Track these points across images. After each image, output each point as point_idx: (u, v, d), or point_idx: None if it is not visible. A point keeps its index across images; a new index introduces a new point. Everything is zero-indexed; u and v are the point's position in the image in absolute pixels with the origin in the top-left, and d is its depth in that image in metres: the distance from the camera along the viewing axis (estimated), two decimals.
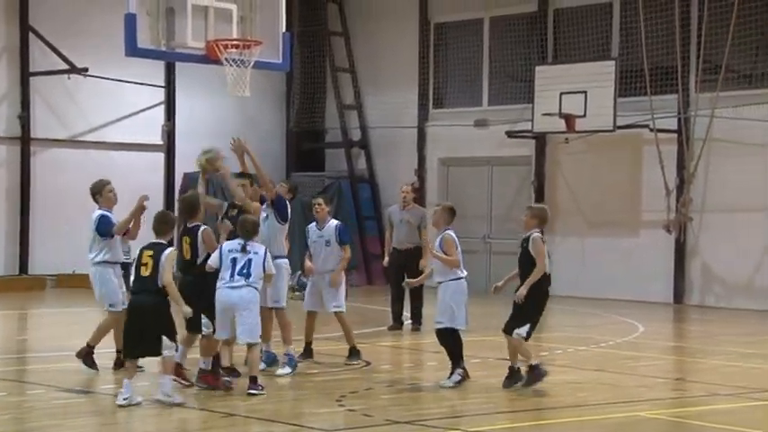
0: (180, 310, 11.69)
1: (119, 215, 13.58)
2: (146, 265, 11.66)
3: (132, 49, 14.82)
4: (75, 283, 24.86)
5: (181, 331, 12.14)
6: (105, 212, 13.55)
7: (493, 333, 16.31)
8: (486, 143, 26.93)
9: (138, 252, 11.88)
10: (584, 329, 19.72)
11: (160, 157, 28.33)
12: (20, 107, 26.30)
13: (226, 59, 15.12)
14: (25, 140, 26.38)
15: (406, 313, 18.78)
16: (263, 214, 13.60)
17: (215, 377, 12.56)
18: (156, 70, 27.08)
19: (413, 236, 18.69)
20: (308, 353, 14.77)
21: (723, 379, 14.11)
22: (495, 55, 27.31)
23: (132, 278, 11.90)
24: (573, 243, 25.28)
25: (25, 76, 26.28)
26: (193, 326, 12.53)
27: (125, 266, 13.44)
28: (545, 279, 12.87)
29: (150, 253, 11.70)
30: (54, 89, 26.56)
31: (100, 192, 13.68)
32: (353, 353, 14.85)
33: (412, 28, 28.31)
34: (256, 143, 27.57)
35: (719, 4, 23.34)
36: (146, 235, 12.30)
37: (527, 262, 12.91)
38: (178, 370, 12.35)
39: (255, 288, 12.43)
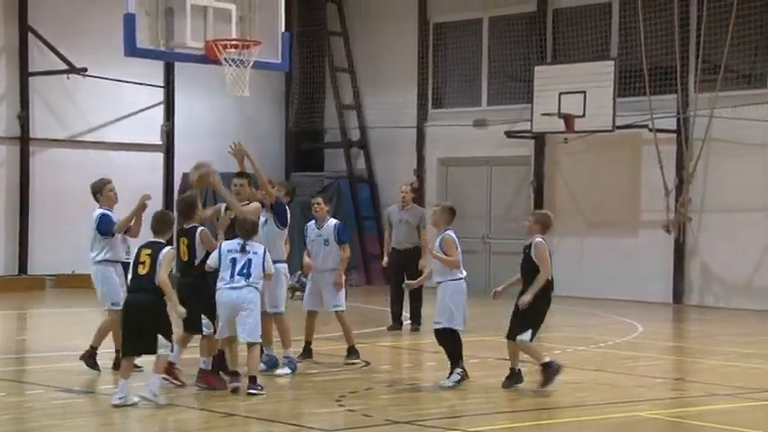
0: (174, 310, 11.67)
1: (119, 215, 13.58)
2: (143, 263, 11.67)
3: (131, 49, 14.81)
4: (74, 284, 24.87)
5: (177, 331, 12.13)
6: (106, 211, 13.56)
7: (492, 333, 16.34)
8: (485, 143, 26.94)
9: (136, 250, 11.89)
10: (583, 329, 19.73)
11: (159, 157, 28.33)
12: (19, 107, 26.30)
13: (225, 59, 15.11)
14: (24, 140, 26.38)
15: (406, 313, 18.78)
16: (263, 219, 13.55)
17: (215, 377, 12.56)
18: (155, 70, 27.07)
19: (412, 236, 18.69)
20: (307, 353, 14.78)
21: (722, 379, 14.11)
22: (494, 55, 27.31)
23: (129, 276, 11.91)
24: (572, 243, 25.28)
25: (24, 76, 26.29)
26: (192, 326, 12.52)
27: (126, 266, 13.43)
28: (548, 285, 12.83)
29: (148, 252, 11.71)
30: (53, 89, 26.56)
31: (100, 191, 13.70)
32: (352, 352, 14.87)
33: (411, 28, 28.30)
34: (255, 143, 27.71)
35: (719, 4, 23.34)
36: (146, 234, 12.30)
37: (529, 268, 12.85)
38: (170, 369, 12.35)
39: (256, 288, 12.45)
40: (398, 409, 11.85)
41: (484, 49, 27.42)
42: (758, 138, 23.20)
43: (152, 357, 11.73)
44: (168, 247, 11.76)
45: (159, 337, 11.54)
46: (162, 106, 28.40)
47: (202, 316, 12.51)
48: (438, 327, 13.18)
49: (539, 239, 12.94)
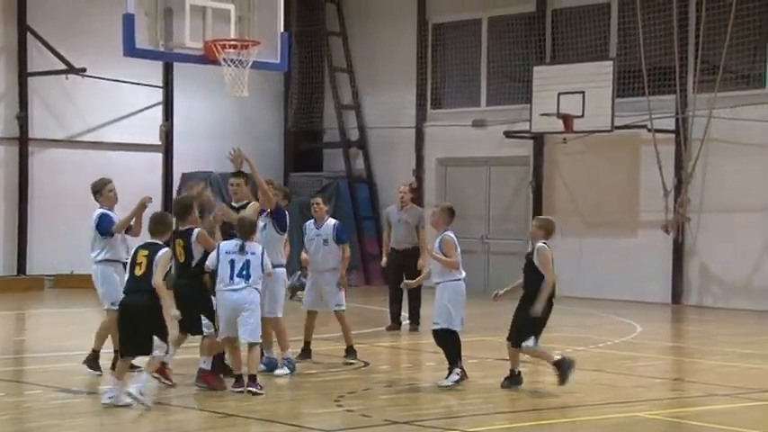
0: (168, 313, 11.65)
1: (118, 215, 13.58)
2: (140, 264, 11.67)
3: (130, 50, 14.82)
4: (73, 284, 24.87)
5: (172, 332, 12.12)
6: (106, 211, 13.57)
7: (492, 333, 16.35)
8: (484, 143, 26.94)
9: (133, 251, 11.89)
10: (582, 330, 19.72)
11: (158, 157, 28.32)
12: (18, 107, 26.29)
13: (224, 60, 15.12)
14: (23, 141, 26.38)
15: (405, 314, 18.78)
16: (261, 224, 13.54)
17: (215, 377, 12.56)
18: (154, 70, 27.04)
19: (411, 236, 18.68)
20: (306, 353, 14.78)
21: (721, 379, 14.12)
22: (493, 55, 27.30)
23: (126, 277, 11.90)
24: (571, 243, 25.25)
25: (23, 76, 26.28)
26: (189, 327, 12.51)
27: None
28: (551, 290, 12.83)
29: (145, 253, 11.71)
30: (52, 89, 26.56)
31: (100, 191, 13.70)
32: (351, 351, 14.89)
33: (410, 28, 28.30)
34: (254, 143, 27.88)
35: (717, 4, 23.34)
36: (146, 234, 12.29)
37: (531, 274, 12.82)
38: (161, 369, 12.34)
39: (256, 289, 12.47)
40: (397, 409, 11.85)
41: (483, 50, 27.42)
42: (757, 138, 23.20)
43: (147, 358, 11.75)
44: (165, 249, 11.75)
45: (155, 338, 11.54)
46: (161, 106, 28.38)
47: (202, 317, 12.51)
48: (436, 327, 13.17)
49: (541, 244, 12.90)
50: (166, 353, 11.89)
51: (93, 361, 13.44)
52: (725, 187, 23.66)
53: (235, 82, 15.35)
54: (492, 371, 13.86)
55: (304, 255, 15.01)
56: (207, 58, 15.23)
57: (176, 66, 26.78)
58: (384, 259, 19.00)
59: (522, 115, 25.77)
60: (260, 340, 12.66)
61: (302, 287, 17.50)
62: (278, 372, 13.62)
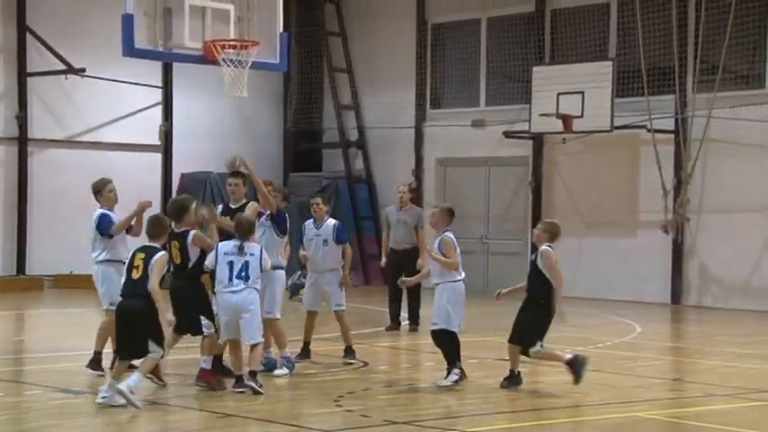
0: (163, 317, 11.60)
1: (118, 215, 13.58)
2: (137, 267, 11.65)
3: (129, 50, 14.82)
4: (72, 284, 24.87)
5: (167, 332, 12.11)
6: (106, 211, 13.57)
7: (491, 334, 16.35)
8: (483, 143, 26.93)
9: (130, 254, 11.88)
10: (581, 330, 19.69)
11: (157, 157, 28.32)
12: (17, 107, 26.29)
13: (223, 60, 15.12)
14: (22, 141, 26.37)
15: (404, 314, 18.78)
16: (261, 229, 13.52)
17: (215, 377, 12.55)
18: (153, 71, 27.03)
19: (410, 236, 18.67)
20: (305, 353, 14.77)
21: (720, 379, 14.12)
22: (492, 55, 27.31)
23: (123, 280, 11.89)
24: (570, 243, 25.16)
25: (23, 76, 26.28)
26: (188, 328, 12.51)
27: None
28: (552, 293, 12.81)
29: (142, 256, 11.70)
30: (51, 89, 26.55)
31: (100, 191, 13.70)
32: (350, 351, 14.90)
33: (409, 28, 28.29)
34: (254, 143, 27.92)
35: (717, 4, 23.34)
36: (146, 236, 12.28)
37: (536, 278, 12.81)
38: (154, 369, 12.33)
39: (255, 289, 12.47)
40: (396, 409, 11.85)
41: (482, 50, 27.42)
42: (756, 138, 23.21)
43: None
44: (161, 253, 11.74)
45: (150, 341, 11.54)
46: (160, 106, 28.37)
47: (201, 317, 12.51)
48: (435, 328, 13.17)
49: (545, 247, 12.87)
50: (161, 357, 11.86)
51: (95, 363, 13.43)
52: (724, 187, 23.67)
53: (234, 82, 15.35)
54: (492, 371, 13.86)
55: (302, 251, 14.99)
56: (206, 58, 15.23)
57: (176, 66, 26.77)
58: (383, 259, 18.99)
59: (521, 115, 25.78)
60: (261, 340, 12.66)
61: (303, 286, 17.49)
62: (277, 372, 13.61)
